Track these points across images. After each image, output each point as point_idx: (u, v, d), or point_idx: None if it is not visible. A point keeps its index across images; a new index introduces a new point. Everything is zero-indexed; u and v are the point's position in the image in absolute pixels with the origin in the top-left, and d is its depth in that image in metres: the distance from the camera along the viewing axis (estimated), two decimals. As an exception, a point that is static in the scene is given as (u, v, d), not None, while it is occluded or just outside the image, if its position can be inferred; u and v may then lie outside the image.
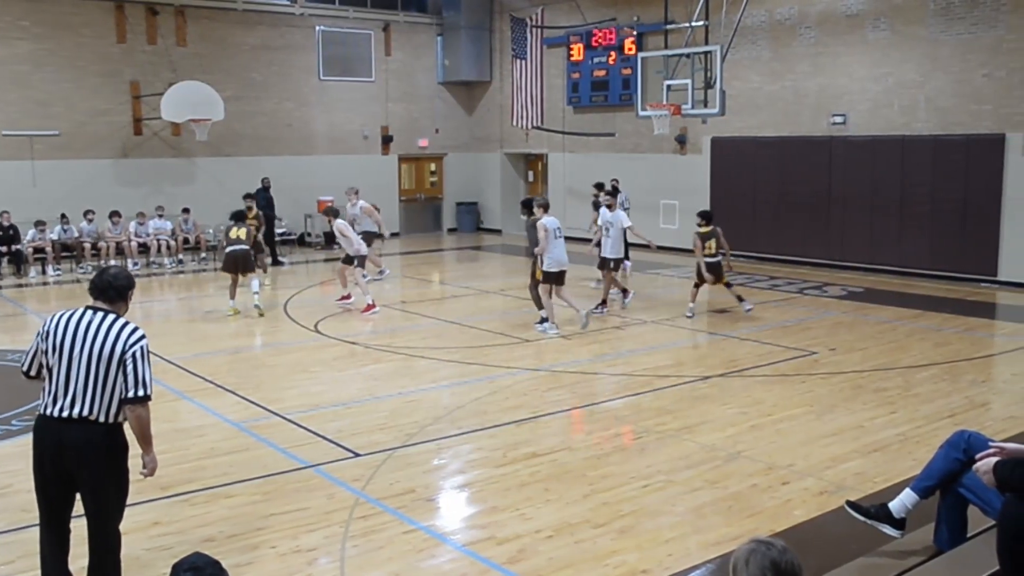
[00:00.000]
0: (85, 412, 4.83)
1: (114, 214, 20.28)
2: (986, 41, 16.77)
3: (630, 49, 22.24)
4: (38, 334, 5.04)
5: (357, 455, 7.99)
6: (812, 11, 19.33)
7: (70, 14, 20.83)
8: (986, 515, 4.92)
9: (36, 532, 6.37)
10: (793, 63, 19.77)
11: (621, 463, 7.82)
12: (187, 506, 6.85)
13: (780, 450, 8.09)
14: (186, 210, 21.34)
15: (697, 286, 14.26)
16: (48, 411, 4.91)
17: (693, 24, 17.59)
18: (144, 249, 20.55)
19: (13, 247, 19.05)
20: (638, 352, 12.10)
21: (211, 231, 22.26)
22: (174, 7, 22.11)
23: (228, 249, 14.83)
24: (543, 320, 13.21)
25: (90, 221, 20.06)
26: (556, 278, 12.97)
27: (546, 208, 13.15)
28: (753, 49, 20.31)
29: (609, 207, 14.86)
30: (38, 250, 19.43)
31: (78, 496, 5.12)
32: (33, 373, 5.07)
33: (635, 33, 22.29)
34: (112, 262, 19.89)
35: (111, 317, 4.97)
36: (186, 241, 21.22)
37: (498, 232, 27.16)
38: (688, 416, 9.13)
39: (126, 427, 5.07)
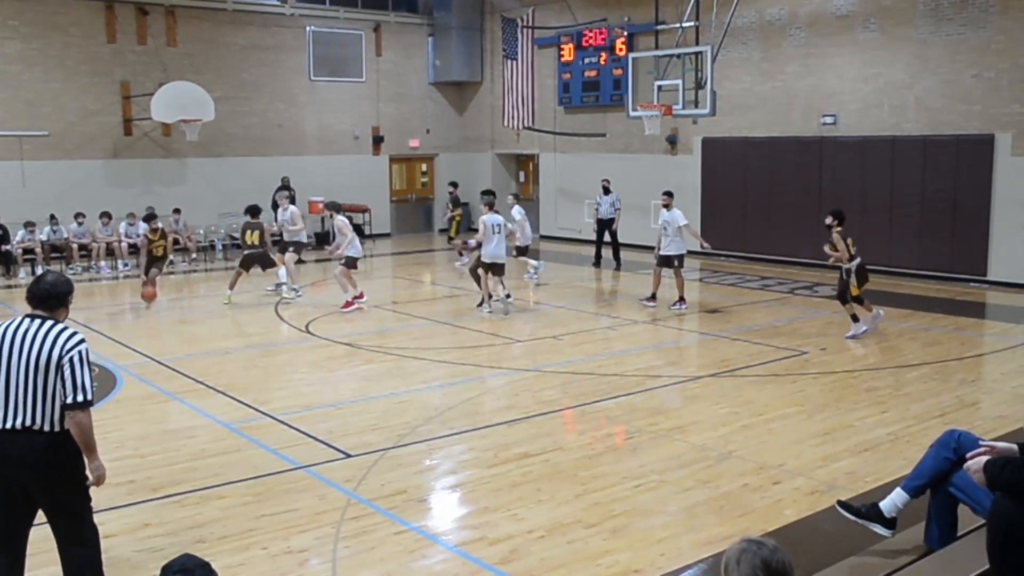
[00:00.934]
0: (28, 422, 4.71)
1: (104, 215, 20.21)
2: (975, 42, 16.83)
3: (621, 50, 22.27)
4: None
5: (348, 456, 7.98)
6: (802, 12, 19.38)
7: (59, 14, 20.75)
8: (976, 514, 4.94)
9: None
10: (783, 63, 19.82)
11: (613, 463, 7.83)
12: (178, 507, 6.83)
13: (771, 450, 8.10)
14: (177, 210, 21.28)
15: (858, 300, 12.58)
16: None
17: (683, 25, 17.62)
18: (134, 250, 20.47)
19: (2, 248, 18.96)
20: (630, 352, 12.11)
21: (202, 232, 22.22)
22: (164, 7, 22.05)
23: (246, 252, 15.70)
24: (481, 303, 14.66)
25: (80, 224, 19.99)
26: (489, 268, 14.44)
27: (491, 206, 14.61)
28: (743, 50, 20.35)
29: (666, 206, 14.84)
30: (27, 251, 19.35)
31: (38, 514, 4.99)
32: None
33: (626, 34, 22.31)
34: (102, 263, 19.86)
35: (48, 323, 4.87)
36: (176, 242, 21.14)
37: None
38: (680, 416, 9.14)
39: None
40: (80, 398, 4.71)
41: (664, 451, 8.08)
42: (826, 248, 12.52)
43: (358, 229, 25.14)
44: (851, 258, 12.32)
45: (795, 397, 9.79)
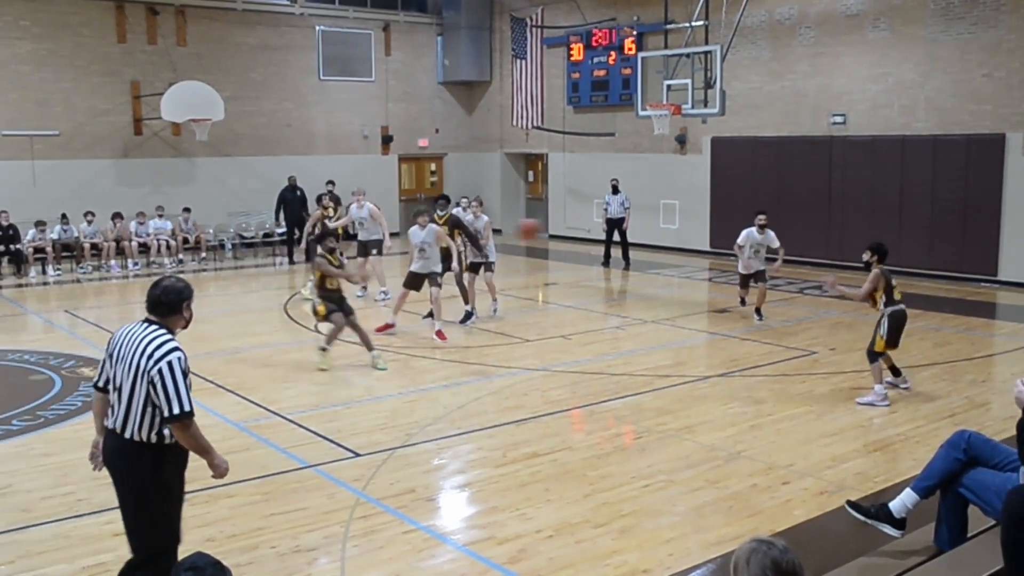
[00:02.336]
0: (117, 426, 4.69)
1: (116, 216, 20.27)
2: (985, 41, 16.77)
3: (630, 49, 22.23)
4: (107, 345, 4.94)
5: (357, 455, 7.99)
6: (812, 11, 19.33)
7: (70, 14, 20.83)
8: (986, 515, 4.93)
9: (36, 532, 6.40)
10: (793, 63, 19.77)
11: (621, 463, 7.82)
12: (187, 506, 6.75)
13: (780, 450, 8.09)
14: (187, 210, 21.34)
15: (876, 358, 9.74)
16: (108, 419, 4.82)
17: (693, 24, 17.58)
18: (144, 249, 20.55)
19: (13, 247, 19.05)
20: (638, 352, 12.09)
21: (211, 231, 22.27)
22: (174, 7, 22.11)
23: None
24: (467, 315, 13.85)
25: (90, 223, 20.05)
26: (410, 280, 12.90)
27: (417, 215, 12.95)
28: (753, 49, 20.31)
29: (763, 227, 13.82)
30: (38, 250, 19.42)
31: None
32: (100, 384, 4.88)
33: (635, 33, 22.29)
34: (112, 262, 19.92)
35: (152, 330, 4.72)
36: (186, 241, 21.21)
37: (498, 232, 27.06)
38: (688, 416, 9.13)
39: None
40: (176, 410, 4.55)
41: (673, 451, 8.07)
42: (842, 290, 9.98)
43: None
44: (888, 303, 9.63)
45: (804, 397, 9.76)
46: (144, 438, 4.65)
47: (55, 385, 10.36)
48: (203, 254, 21.43)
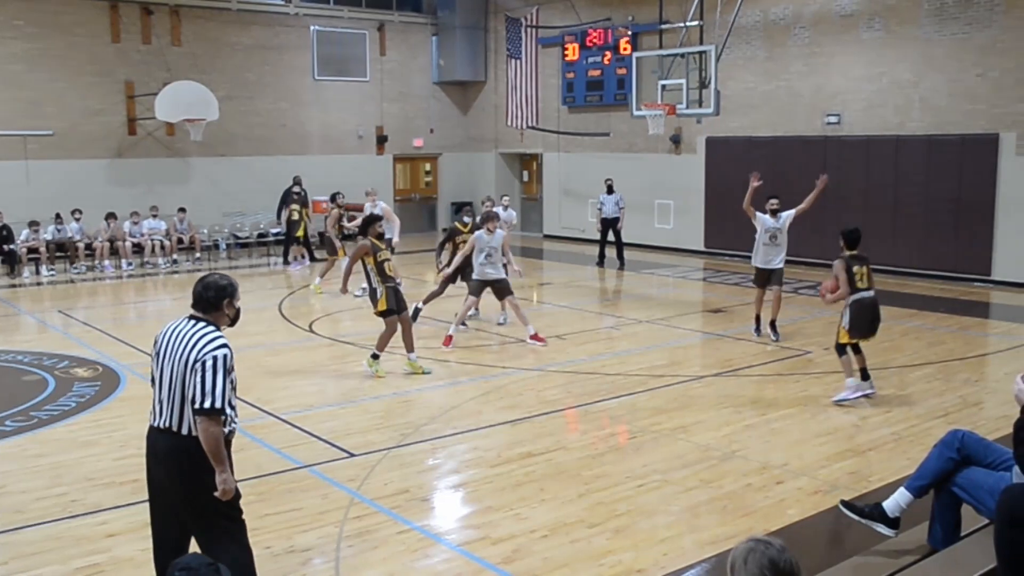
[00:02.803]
0: (169, 423, 4.64)
1: (110, 216, 20.23)
2: (980, 41, 16.80)
3: (625, 49, 22.26)
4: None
5: (351, 455, 7.98)
6: (806, 11, 19.35)
7: (63, 13, 20.78)
8: (979, 514, 4.94)
9: (30, 534, 6.39)
10: (787, 63, 19.79)
11: (616, 463, 7.82)
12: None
13: (774, 449, 8.09)
14: (182, 210, 21.30)
15: (853, 349, 9.48)
16: (150, 419, 4.78)
17: (688, 24, 17.59)
18: (138, 249, 20.51)
19: (7, 247, 19.00)
20: (633, 352, 12.10)
21: (205, 231, 22.24)
22: (168, 7, 22.06)
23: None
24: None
25: (78, 220, 19.99)
26: (477, 288, 12.61)
27: (485, 220, 12.69)
28: (747, 49, 20.33)
29: (774, 212, 12.66)
30: (32, 250, 19.38)
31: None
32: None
33: (630, 33, 22.30)
34: (106, 263, 19.88)
35: (199, 325, 4.74)
36: (180, 241, 21.18)
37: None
38: (683, 416, 9.13)
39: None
40: (207, 404, 4.53)
41: (667, 451, 8.07)
42: (824, 286, 9.66)
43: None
44: (853, 291, 9.29)
45: (798, 397, 9.77)
46: (191, 430, 4.63)
47: (48, 386, 10.33)
48: (197, 254, 21.40)
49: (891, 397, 9.70)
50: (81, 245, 19.86)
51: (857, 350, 9.45)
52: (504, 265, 12.70)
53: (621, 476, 7.42)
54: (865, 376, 9.49)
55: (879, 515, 5.23)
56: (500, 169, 27.46)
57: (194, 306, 4.84)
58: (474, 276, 12.55)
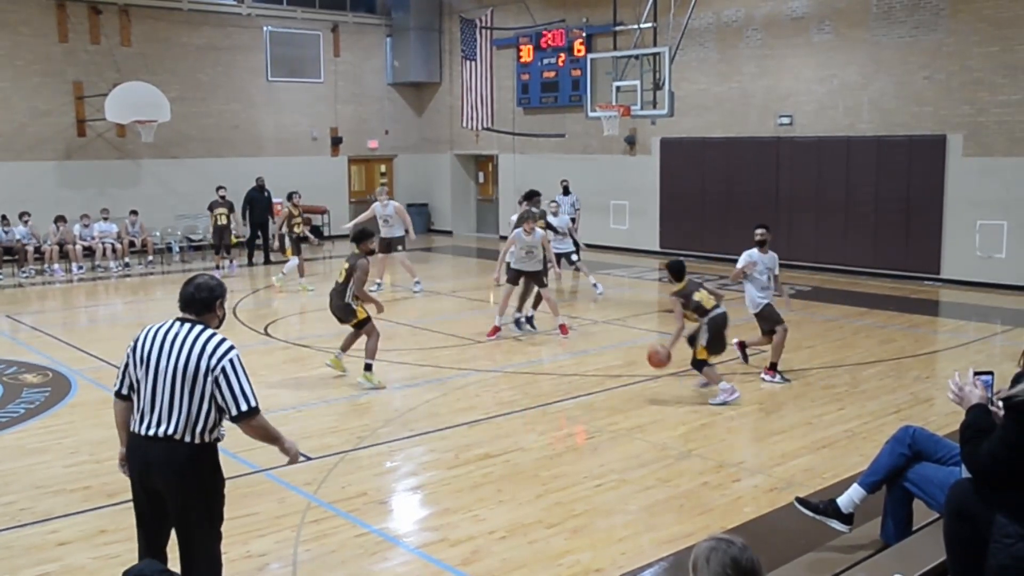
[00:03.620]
0: (170, 431, 4.49)
1: (59, 219, 19.88)
2: (926, 44, 17.10)
3: (579, 51, 22.33)
4: (128, 348, 4.72)
5: (308, 459, 7.91)
6: (758, 14, 19.56)
7: (8, 12, 20.39)
8: (930, 508, 5.02)
9: (7, 537, 6.26)
10: (740, 65, 19.99)
11: (574, 463, 7.85)
12: (134, 513, 6.71)
13: (730, 448, 8.17)
14: (134, 212, 21.01)
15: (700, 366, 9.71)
16: (136, 428, 4.59)
17: (641, 26, 17.70)
18: (89, 253, 20.18)
19: (-48, 251, 18.61)
20: (589, 352, 12.14)
21: (158, 234, 21.94)
22: (117, 6, 21.75)
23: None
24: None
25: (26, 223, 19.63)
26: (514, 276, 13.16)
27: (526, 219, 12.96)
28: (701, 51, 20.50)
29: (761, 244, 10.58)
30: (-23, 254, 18.99)
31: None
32: (124, 391, 4.69)
33: (584, 35, 22.39)
34: (55, 266, 19.53)
35: (198, 329, 4.60)
36: (132, 244, 20.88)
37: (448, 234, 27.11)
38: (640, 415, 9.19)
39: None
40: (245, 407, 4.53)
41: (624, 450, 8.11)
42: (663, 350, 9.56)
43: (316, 231, 25.08)
44: (702, 315, 9.45)
45: (754, 396, 9.87)
46: (202, 439, 4.56)
47: (-3, 392, 10.13)
48: (150, 257, 21.10)
49: (844, 394, 9.84)
50: (30, 248, 19.50)
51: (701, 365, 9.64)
52: (546, 265, 13.31)
53: (579, 476, 7.45)
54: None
55: (833, 511, 5.29)
56: (456, 170, 27.43)
57: (185, 309, 4.70)
58: (512, 265, 12.94)
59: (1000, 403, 4.14)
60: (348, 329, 10.72)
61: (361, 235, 10.63)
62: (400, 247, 16.68)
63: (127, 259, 20.64)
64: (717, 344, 9.57)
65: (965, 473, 4.38)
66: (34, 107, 20.84)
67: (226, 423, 4.69)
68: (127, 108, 20.32)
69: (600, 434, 8.64)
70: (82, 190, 21.28)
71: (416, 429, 8.79)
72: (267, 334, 13.34)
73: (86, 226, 20.30)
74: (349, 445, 8.29)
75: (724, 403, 9.46)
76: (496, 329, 12.91)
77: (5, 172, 20.38)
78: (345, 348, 10.84)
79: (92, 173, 21.58)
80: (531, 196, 14.91)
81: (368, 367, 10.35)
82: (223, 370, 4.50)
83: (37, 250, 19.63)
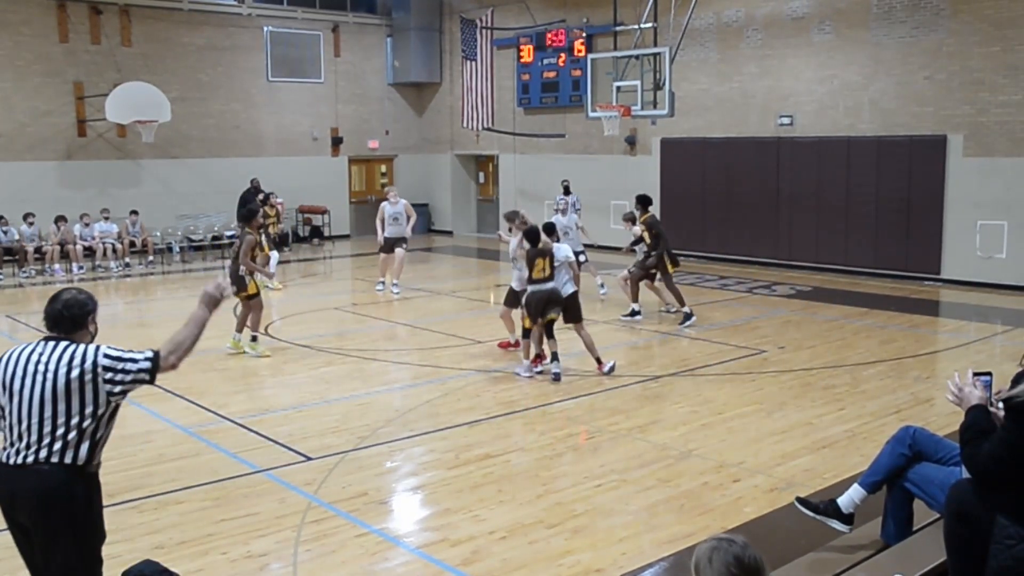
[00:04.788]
0: (42, 456, 4.10)
1: (60, 219, 19.89)
2: (927, 44, 17.09)
3: (580, 51, 22.33)
4: None
5: (309, 459, 7.92)
6: (758, 14, 19.56)
7: (9, 12, 20.40)
8: (931, 508, 5.02)
9: (7, 537, 6.23)
10: (740, 65, 19.99)
11: (574, 463, 7.85)
12: (135, 513, 6.74)
13: (731, 448, 8.16)
14: (134, 212, 21.02)
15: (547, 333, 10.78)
16: (3, 458, 4.19)
17: (642, 26, 17.71)
18: (89, 253, 20.19)
19: (-48, 251, 18.62)
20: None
21: (158, 234, 21.95)
22: (118, 6, 21.75)
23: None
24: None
25: (31, 224, 19.66)
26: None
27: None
28: (701, 51, 20.50)
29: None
30: (-22, 254, 19.00)
31: None
32: None
33: (584, 35, 22.39)
34: (56, 266, 19.53)
35: (63, 345, 4.25)
36: (132, 244, 20.89)
37: (449, 234, 27.12)
38: (640, 415, 9.19)
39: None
40: (147, 364, 4.26)
41: (625, 450, 8.11)
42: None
43: (316, 231, 25.11)
44: (530, 282, 10.59)
45: (754, 395, 9.87)
46: (73, 460, 4.16)
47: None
48: (150, 257, 21.10)
49: (844, 395, 9.84)
50: (30, 249, 19.50)
51: (550, 335, 10.60)
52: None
53: (579, 476, 7.45)
54: (554, 358, 10.55)
55: (834, 511, 5.30)
56: (456, 171, 27.44)
57: (53, 327, 4.32)
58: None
59: (1000, 404, 4.14)
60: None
61: (248, 215, 12.22)
62: (404, 245, 16.69)
63: (127, 259, 20.64)
64: (531, 312, 10.47)
65: (965, 473, 4.39)
66: (35, 107, 20.84)
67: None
68: (128, 108, 20.33)
69: (600, 434, 8.63)
70: (82, 190, 21.29)
71: (416, 429, 8.79)
72: (267, 334, 13.33)
73: (86, 226, 20.31)
74: (349, 445, 8.29)
75: (517, 375, 10.50)
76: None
77: (6, 172, 20.39)
78: (239, 328, 11.93)
79: (92, 173, 21.58)
80: (644, 201, 14.22)
81: (254, 339, 11.82)
82: (103, 364, 4.21)
83: (38, 250, 19.63)
